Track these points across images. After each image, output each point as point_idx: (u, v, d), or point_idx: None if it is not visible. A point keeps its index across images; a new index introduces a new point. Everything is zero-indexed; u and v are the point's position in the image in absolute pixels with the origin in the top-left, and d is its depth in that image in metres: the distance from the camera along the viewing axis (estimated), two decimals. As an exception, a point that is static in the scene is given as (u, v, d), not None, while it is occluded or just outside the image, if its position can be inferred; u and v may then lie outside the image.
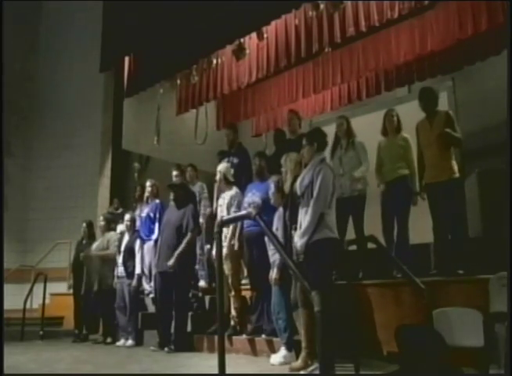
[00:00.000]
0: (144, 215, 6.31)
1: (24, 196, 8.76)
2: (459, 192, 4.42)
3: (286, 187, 3.95)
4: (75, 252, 6.77)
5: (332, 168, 3.70)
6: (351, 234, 4.93)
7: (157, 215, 6.13)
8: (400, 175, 4.78)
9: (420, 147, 4.66)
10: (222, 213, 4.89)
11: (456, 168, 4.41)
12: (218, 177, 5.09)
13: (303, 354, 3.59)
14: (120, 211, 7.29)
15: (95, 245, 6.35)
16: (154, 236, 6.03)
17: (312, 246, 3.37)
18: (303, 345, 3.62)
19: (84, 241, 6.69)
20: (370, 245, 4.49)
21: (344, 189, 4.90)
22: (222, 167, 5.22)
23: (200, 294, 5.67)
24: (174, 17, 6.74)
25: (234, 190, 5.01)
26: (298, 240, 3.46)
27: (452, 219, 4.32)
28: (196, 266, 5.96)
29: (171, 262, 4.95)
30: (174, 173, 6.10)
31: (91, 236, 6.71)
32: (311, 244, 3.37)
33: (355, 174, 4.90)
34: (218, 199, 5.37)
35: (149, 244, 6.09)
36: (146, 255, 6.05)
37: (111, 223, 6.53)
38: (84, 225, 6.68)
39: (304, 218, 3.45)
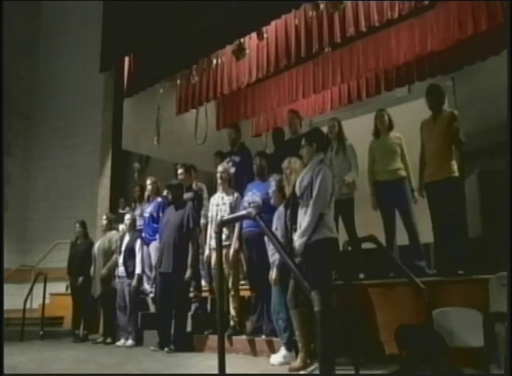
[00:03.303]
0: (147, 214, 6.29)
1: (24, 196, 8.75)
2: (457, 191, 4.41)
3: (289, 188, 3.93)
4: (70, 253, 6.75)
5: (331, 169, 3.69)
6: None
7: (160, 215, 6.12)
8: (399, 177, 4.78)
9: (422, 145, 4.66)
10: (221, 212, 4.88)
11: (455, 167, 4.39)
12: (224, 174, 5.06)
13: (301, 354, 3.59)
14: (126, 210, 7.28)
15: (96, 245, 6.34)
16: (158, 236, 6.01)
17: (312, 246, 3.37)
18: (299, 344, 3.64)
19: (78, 241, 6.68)
20: (370, 245, 4.49)
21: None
22: (228, 166, 5.21)
23: (208, 295, 5.65)
24: (174, 17, 6.75)
25: (237, 193, 5.00)
26: (297, 240, 3.46)
27: (451, 219, 4.31)
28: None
29: (188, 274, 4.98)
30: (180, 171, 6.08)
31: (85, 236, 6.70)
32: (311, 243, 3.37)
33: (346, 178, 4.93)
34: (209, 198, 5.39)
35: (154, 244, 6.08)
36: (151, 255, 6.04)
37: (113, 223, 6.53)
38: (78, 225, 6.67)
39: (304, 218, 3.45)
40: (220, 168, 5.11)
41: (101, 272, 6.09)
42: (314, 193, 3.41)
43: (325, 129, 4.94)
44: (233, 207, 4.86)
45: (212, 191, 5.95)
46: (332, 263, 3.50)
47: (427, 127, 4.57)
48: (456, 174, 4.38)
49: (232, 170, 5.77)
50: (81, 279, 6.32)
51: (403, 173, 4.81)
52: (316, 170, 3.48)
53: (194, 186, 6.21)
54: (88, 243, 6.57)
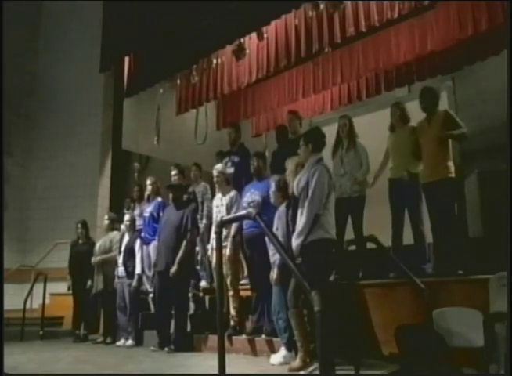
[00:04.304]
0: (147, 214, 6.27)
1: (24, 196, 8.75)
2: (454, 191, 4.41)
3: (290, 189, 3.95)
4: (70, 253, 6.74)
5: (328, 169, 3.65)
6: (351, 234, 4.93)
7: (161, 214, 6.11)
8: (413, 173, 4.72)
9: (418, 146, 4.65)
10: (220, 214, 4.89)
11: (452, 168, 4.40)
12: (219, 178, 5.08)
13: (300, 353, 3.60)
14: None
15: (98, 245, 6.33)
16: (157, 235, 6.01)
17: (307, 247, 3.36)
18: (298, 344, 3.64)
19: (80, 241, 6.68)
20: (370, 245, 4.49)
21: (344, 190, 4.89)
22: (221, 167, 5.22)
23: (201, 295, 5.67)
24: (175, 17, 6.74)
25: (234, 192, 5.01)
26: (294, 241, 3.46)
27: (449, 219, 4.31)
28: (198, 267, 5.96)
29: (173, 270, 4.95)
30: (173, 172, 6.09)
31: (87, 236, 6.70)
32: (307, 244, 3.37)
33: (358, 176, 4.90)
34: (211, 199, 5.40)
35: (153, 244, 6.07)
36: (151, 255, 6.04)
37: (115, 223, 6.52)
38: (79, 225, 6.66)
39: (300, 219, 3.45)
40: (215, 172, 5.13)
41: (96, 259, 6.10)
42: (309, 194, 3.40)
43: (327, 129, 4.94)
44: (229, 208, 4.87)
45: (213, 191, 5.97)
46: (328, 264, 3.50)
47: (422, 129, 4.57)
48: (452, 175, 4.38)
49: (231, 170, 5.79)
50: (89, 282, 6.30)
51: (414, 170, 4.72)
52: (312, 170, 3.47)
53: (199, 185, 6.22)
54: (91, 243, 6.56)
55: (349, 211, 4.87)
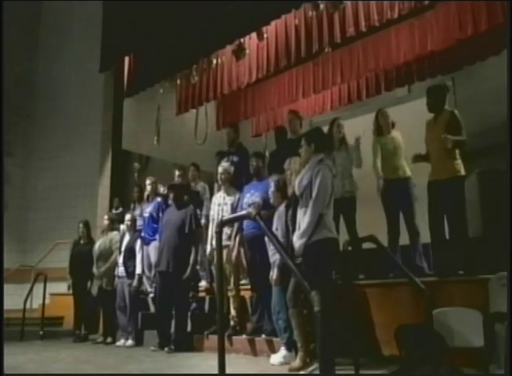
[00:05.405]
0: (147, 214, 6.28)
1: (24, 196, 8.77)
2: (461, 190, 4.39)
3: (291, 189, 3.94)
4: (71, 252, 6.75)
5: (331, 169, 3.66)
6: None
7: (160, 215, 6.11)
8: (404, 176, 4.78)
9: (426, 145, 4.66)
10: (223, 212, 4.88)
11: (459, 166, 4.37)
12: (223, 176, 5.07)
13: (300, 353, 3.60)
14: (120, 210, 7.29)
15: (97, 245, 6.33)
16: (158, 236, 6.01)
17: (311, 246, 3.36)
18: (298, 344, 3.65)
19: (81, 241, 6.68)
20: (370, 245, 4.49)
21: (336, 190, 4.89)
22: (227, 166, 5.21)
23: (204, 294, 5.67)
24: (175, 17, 6.75)
25: (239, 193, 5.00)
26: (297, 241, 3.45)
27: (451, 219, 4.30)
28: (198, 267, 5.96)
29: (187, 273, 4.99)
30: (177, 173, 6.08)
31: (88, 237, 6.70)
32: (311, 244, 3.36)
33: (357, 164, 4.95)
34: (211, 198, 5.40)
35: (153, 244, 6.07)
36: (151, 255, 6.04)
37: (115, 223, 6.51)
38: (82, 225, 6.66)
39: (303, 218, 3.44)
40: (220, 169, 5.11)
41: (100, 270, 6.09)
42: (313, 194, 3.39)
43: (326, 129, 4.94)
44: (235, 208, 4.86)
45: (212, 191, 5.96)
46: (331, 263, 3.50)
47: (429, 127, 4.57)
48: (462, 173, 4.37)
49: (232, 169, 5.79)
50: (89, 283, 6.30)
51: (408, 172, 4.80)
52: (315, 170, 3.46)
53: (197, 185, 6.21)
54: (92, 243, 6.56)
55: (341, 212, 4.87)
